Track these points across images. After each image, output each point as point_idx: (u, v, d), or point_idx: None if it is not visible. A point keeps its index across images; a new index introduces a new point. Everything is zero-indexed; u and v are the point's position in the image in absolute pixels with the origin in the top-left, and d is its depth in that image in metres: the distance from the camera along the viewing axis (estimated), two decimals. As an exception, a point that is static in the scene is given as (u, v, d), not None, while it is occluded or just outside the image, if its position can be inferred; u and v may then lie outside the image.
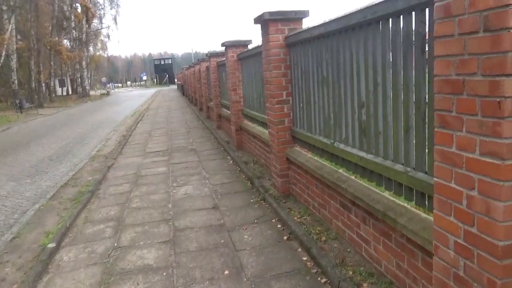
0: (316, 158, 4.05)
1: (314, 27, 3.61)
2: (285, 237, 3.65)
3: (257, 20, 4.59)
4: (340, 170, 3.47)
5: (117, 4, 45.02)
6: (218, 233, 3.90)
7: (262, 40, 4.75)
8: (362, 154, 2.99)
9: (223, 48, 8.04)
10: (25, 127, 16.83)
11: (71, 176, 6.75)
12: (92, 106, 29.18)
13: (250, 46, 7.35)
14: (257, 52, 5.97)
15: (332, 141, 3.55)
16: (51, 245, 3.73)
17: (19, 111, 24.04)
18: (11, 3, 26.26)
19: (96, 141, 10.96)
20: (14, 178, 7.17)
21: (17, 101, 24.97)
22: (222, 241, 3.72)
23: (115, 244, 3.81)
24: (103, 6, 43.90)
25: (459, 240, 1.73)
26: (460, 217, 1.71)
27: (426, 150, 2.25)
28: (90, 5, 35.12)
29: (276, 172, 4.83)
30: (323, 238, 3.45)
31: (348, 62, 3.16)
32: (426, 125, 2.23)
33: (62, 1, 35.61)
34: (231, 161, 6.99)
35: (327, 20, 3.34)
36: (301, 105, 4.31)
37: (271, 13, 4.34)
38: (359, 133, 3.07)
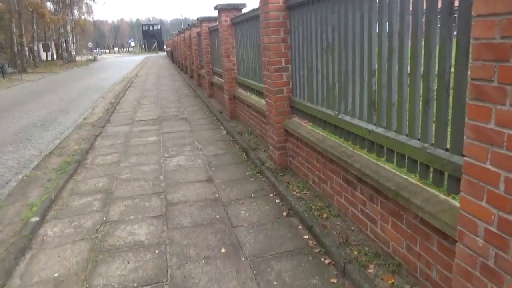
0: (317, 130, 3.82)
1: (320, -13, 3.29)
2: (284, 213, 3.48)
3: (256, -21, 4.22)
4: (345, 143, 3.26)
5: (103, -36, 42.64)
6: (213, 208, 3.71)
7: (260, 2, 4.40)
8: (371, 127, 2.77)
9: (216, 12, 7.59)
10: (7, 93, 16.21)
11: (56, 145, 6.44)
12: (78, 72, 28.30)
13: (244, 10, 6.94)
14: (253, 16, 5.59)
15: (337, 112, 3.31)
16: (35, 218, 3.49)
17: (1, 76, 23.18)
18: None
19: (82, 108, 10.56)
20: (11, 140, 6.84)
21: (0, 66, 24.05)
22: (218, 216, 3.54)
23: (104, 219, 3.60)
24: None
25: (491, 228, 1.55)
26: (495, 203, 1.51)
27: (449, 125, 2.03)
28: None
29: (273, 144, 4.61)
30: (325, 215, 3.28)
31: (358, 26, 2.87)
32: (450, 97, 2.00)
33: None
34: (224, 131, 6.73)
35: (335, -22, 3.02)
36: (302, 73, 4.04)
37: (271, -29, 3.98)
38: (368, 105, 2.84)
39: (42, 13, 29.58)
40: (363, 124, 2.88)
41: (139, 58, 49.79)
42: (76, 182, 4.62)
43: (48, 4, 41.50)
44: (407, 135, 2.42)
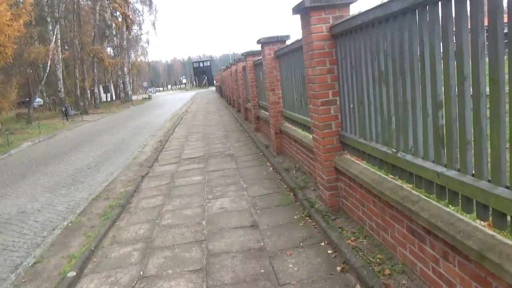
0: (373, 169, 3.37)
1: (369, 11, 2.94)
2: (338, 268, 3.01)
3: (296, 9, 3.97)
4: (407, 186, 2.79)
5: (155, 10, 45.93)
6: (257, 260, 3.33)
7: (303, 33, 4.13)
8: (440, 169, 2.30)
9: (259, 46, 7.47)
10: (69, 134, 17.20)
11: (104, 187, 6.46)
12: (134, 111, 29.72)
13: (288, 42, 6.73)
14: (296, 48, 5.34)
15: (395, 150, 2.86)
16: (71, 273, 3.32)
17: (65, 118, 24.85)
18: (56, 14, 27.26)
19: (134, 147, 10.78)
20: (51, 189, 7.00)
21: (63, 109, 25.86)
22: (263, 270, 3.15)
23: (141, 273, 3.34)
24: (142, 13, 44.89)
25: None
26: None
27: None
28: (129, 13, 35.81)
29: (323, 184, 4.19)
30: (387, 271, 2.78)
31: (416, 51, 2.47)
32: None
33: (103, 10, 36.67)
34: (270, 168, 6.40)
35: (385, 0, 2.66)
36: (352, 106, 3.64)
37: (312, 0, 3.71)
38: (434, 142, 2.38)
39: (101, 58, 31.77)
40: (429, 165, 2.42)
41: (190, 94, 51.70)
42: (118, 229, 4.47)
43: (109, 49, 44.89)
44: (489, 181, 1.94)
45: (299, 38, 5.04)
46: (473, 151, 2.05)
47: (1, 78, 20.92)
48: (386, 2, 2.67)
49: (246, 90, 12.75)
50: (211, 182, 5.99)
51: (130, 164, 8.25)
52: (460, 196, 2.16)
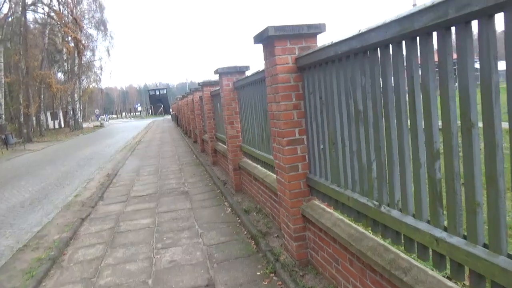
0: (348, 220, 2.93)
1: (342, 42, 2.57)
2: None
3: (259, 38, 3.58)
4: (393, 248, 2.35)
5: (110, 36, 44.59)
6: (213, 335, 2.72)
7: (266, 64, 3.73)
8: (439, 233, 1.88)
9: (217, 76, 7.05)
10: (7, 166, 15.65)
11: (35, 233, 5.56)
12: (83, 140, 28.08)
13: (248, 73, 6.36)
14: (258, 79, 4.94)
15: (377, 203, 2.44)
16: None
17: (4, 147, 22.88)
18: (1, 36, 25.62)
19: (78, 181, 9.79)
20: None
21: (3, 137, 23.85)
22: None
23: None
24: (96, 38, 43.56)
25: None
26: None
27: None
28: (81, 38, 34.53)
29: (289, 233, 3.69)
30: None
31: (403, 89, 2.10)
32: None
33: (53, 34, 35.15)
34: (229, 209, 5.83)
35: (364, 29, 2.30)
36: (322, 147, 3.23)
37: (276, 28, 3.32)
38: (430, 199, 1.97)
39: (49, 83, 30.10)
40: (423, 226, 2.00)
41: (145, 122, 50.23)
42: (43, 292, 3.67)
43: (59, 74, 42.85)
44: (509, 256, 1.53)
45: (261, 70, 4.66)
46: (479, 216, 1.65)
47: None
48: (364, 32, 2.30)
49: (203, 121, 12.23)
50: (162, 226, 5.31)
51: (70, 202, 7.33)
52: (467, 271, 1.74)
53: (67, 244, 4.92)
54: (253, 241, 4.37)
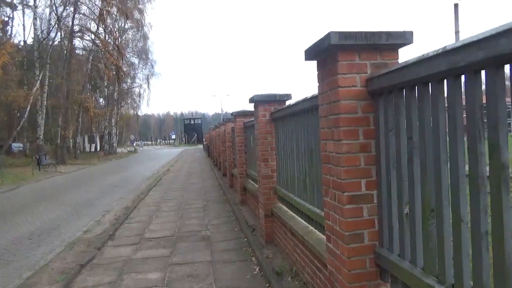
0: None
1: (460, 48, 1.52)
2: None
3: (314, 50, 2.59)
4: None
5: (151, 65, 45.44)
6: None
7: (322, 86, 2.71)
8: None
9: (253, 106, 6.11)
10: (33, 188, 15.30)
11: (24, 280, 4.64)
12: (114, 165, 27.94)
13: (289, 103, 5.36)
14: (304, 109, 3.92)
15: None
16: None
17: (37, 167, 22.88)
18: (46, 60, 26.39)
19: (95, 212, 8.97)
20: None
21: (36, 157, 23.96)
22: None
23: None
24: (137, 66, 44.62)
25: None
26: None
27: None
28: (123, 65, 35.23)
29: (344, 331, 2.52)
30: None
31: None
32: None
33: (97, 61, 36.15)
34: (257, 268, 4.68)
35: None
36: (406, 212, 2.12)
37: (342, 35, 2.32)
38: None
39: (87, 107, 30.56)
40: None
41: (177, 150, 50.31)
42: None
43: (101, 100, 43.91)
44: None
45: (309, 96, 3.65)
46: None
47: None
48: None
49: (233, 154, 11.29)
50: (172, 287, 4.23)
51: (77, 240, 6.43)
52: None
53: (53, 303, 3.94)
54: (287, 327, 3.20)
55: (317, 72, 2.80)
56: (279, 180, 5.47)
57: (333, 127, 2.52)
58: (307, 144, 3.95)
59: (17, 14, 57.84)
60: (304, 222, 4.21)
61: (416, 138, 2.01)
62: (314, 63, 2.83)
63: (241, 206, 8.53)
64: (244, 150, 8.94)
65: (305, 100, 3.79)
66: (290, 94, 5.59)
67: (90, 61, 34.05)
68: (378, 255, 2.38)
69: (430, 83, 1.85)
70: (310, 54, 2.65)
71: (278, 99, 5.59)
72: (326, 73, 2.60)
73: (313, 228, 3.88)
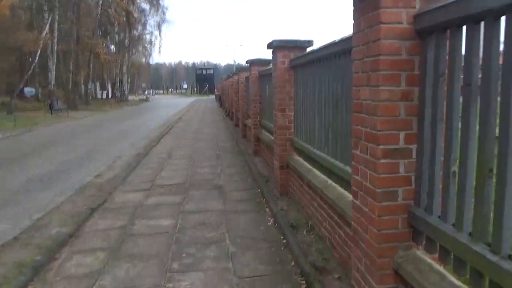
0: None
1: None
2: None
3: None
4: None
5: (162, 11, 43.78)
6: None
7: (358, 24, 2.36)
8: None
9: (270, 54, 5.72)
10: (45, 132, 15.34)
11: (34, 221, 4.60)
12: (126, 112, 27.91)
13: (310, 50, 4.98)
14: (331, 54, 3.58)
15: None
16: None
17: (49, 112, 22.93)
18: (54, 3, 25.53)
19: (106, 158, 8.91)
20: None
21: (48, 102, 23.95)
22: None
23: None
24: (148, 13, 43.14)
25: None
26: None
27: None
28: (133, 11, 34.07)
29: (367, 291, 2.37)
30: None
31: None
32: None
33: (107, 6, 34.96)
34: (271, 220, 4.56)
35: None
36: (453, 171, 1.86)
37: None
38: None
39: (97, 53, 30.01)
40: None
41: (189, 100, 49.97)
42: (4, 325, 2.61)
43: (112, 47, 43.01)
44: None
45: (337, 40, 3.29)
46: None
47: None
48: None
49: (247, 104, 10.99)
50: (184, 234, 4.14)
51: (88, 184, 6.38)
52: None
53: (64, 244, 3.88)
54: (304, 281, 3.08)
55: (352, 8, 2.44)
56: (297, 131, 5.22)
57: (370, 71, 2.20)
58: (331, 92, 3.65)
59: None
60: (323, 176, 4.00)
61: (476, 85, 1.70)
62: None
63: (254, 157, 8.37)
64: (259, 100, 8.63)
65: (332, 44, 3.43)
66: (312, 41, 5.18)
67: (100, 5, 32.94)
68: (412, 215, 2.16)
69: (505, 16, 1.51)
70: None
71: (300, 45, 5.19)
72: (365, 8, 2.24)
73: (333, 183, 3.67)
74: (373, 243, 2.25)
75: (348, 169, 3.21)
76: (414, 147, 2.15)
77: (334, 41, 3.39)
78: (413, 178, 2.18)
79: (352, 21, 2.45)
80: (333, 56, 3.53)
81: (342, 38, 3.17)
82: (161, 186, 6.23)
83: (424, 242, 2.16)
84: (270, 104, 6.72)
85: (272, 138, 6.33)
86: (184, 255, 3.63)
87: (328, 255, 3.43)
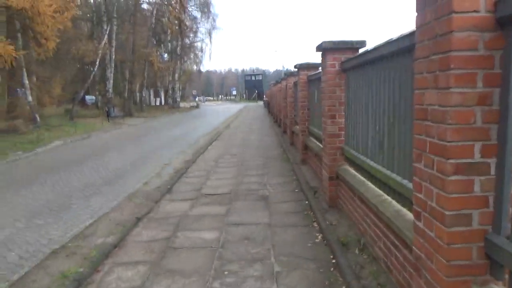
0: None
1: None
2: None
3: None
4: None
5: (213, 19, 44.62)
6: None
7: (423, 15, 2.02)
8: None
9: (319, 57, 5.41)
10: (102, 138, 16.06)
11: (83, 229, 4.64)
12: (177, 118, 28.65)
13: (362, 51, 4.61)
14: (388, 54, 3.22)
15: None
16: None
17: (106, 119, 24.09)
18: (113, 14, 26.90)
19: (154, 165, 8.99)
20: (31, 215, 5.33)
21: (106, 109, 25.19)
22: None
23: None
24: (199, 21, 44.23)
25: None
26: None
27: None
28: (185, 19, 35.09)
29: (433, 331, 2.00)
30: None
31: None
32: None
33: (161, 15, 36.32)
34: (319, 236, 4.24)
35: None
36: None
37: None
38: None
39: (151, 61, 31.16)
40: None
41: (238, 106, 50.44)
42: None
43: (165, 55, 44.62)
44: None
45: (395, 37, 2.95)
46: None
47: (44, 72, 20.37)
48: None
49: (295, 110, 10.70)
50: (227, 249, 3.94)
51: (136, 192, 6.41)
52: None
53: (106, 256, 3.83)
54: (356, 310, 2.74)
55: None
56: (348, 139, 4.86)
57: (437, 70, 1.86)
58: (387, 97, 3.28)
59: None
60: (377, 189, 3.62)
61: None
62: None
63: (302, 166, 8.05)
64: (307, 106, 8.32)
65: (389, 42, 3.08)
66: (364, 41, 4.81)
67: (154, 14, 34.28)
68: (490, 244, 1.78)
69: None
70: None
71: (351, 47, 4.84)
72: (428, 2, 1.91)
73: (389, 198, 3.29)
74: (441, 276, 1.89)
75: (407, 183, 2.84)
76: (493, 161, 1.78)
77: (391, 38, 3.04)
78: (491, 199, 1.80)
79: (415, 13, 2.12)
80: (390, 56, 3.17)
81: (401, 35, 2.82)
82: (207, 195, 6.10)
83: (506, 277, 1.77)
84: (318, 110, 6.40)
85: (321, 146, 5.99)
86: (226, 272, 3.42)
87: (384, 280, 3.06)
